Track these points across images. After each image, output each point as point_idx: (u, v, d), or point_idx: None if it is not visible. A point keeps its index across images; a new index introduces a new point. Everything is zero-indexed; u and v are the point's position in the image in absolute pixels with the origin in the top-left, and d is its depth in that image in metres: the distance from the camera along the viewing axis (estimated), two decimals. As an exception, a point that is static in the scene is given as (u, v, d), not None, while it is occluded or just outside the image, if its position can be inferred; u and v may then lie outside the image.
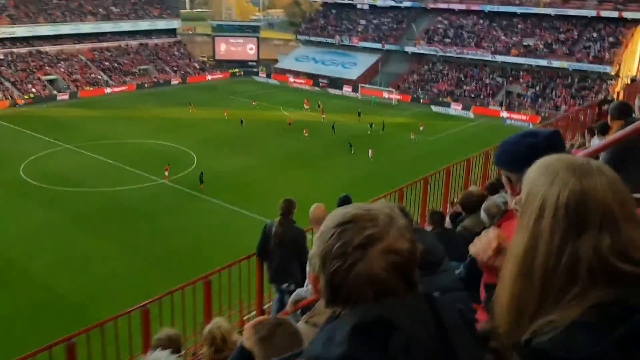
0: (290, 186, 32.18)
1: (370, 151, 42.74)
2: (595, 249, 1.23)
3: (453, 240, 5.79)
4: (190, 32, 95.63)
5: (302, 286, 6.36)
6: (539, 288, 1.29)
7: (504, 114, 58.63)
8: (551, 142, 2.23)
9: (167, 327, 5.78)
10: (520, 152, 2.17)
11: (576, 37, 64.28)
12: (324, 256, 1.29)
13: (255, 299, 9.05)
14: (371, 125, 50.66)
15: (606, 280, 1.23)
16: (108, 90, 67.49)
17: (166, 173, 36.97)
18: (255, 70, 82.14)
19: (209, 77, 78.83)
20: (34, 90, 63.42)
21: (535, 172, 1.37)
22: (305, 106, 59.78)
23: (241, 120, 51.42)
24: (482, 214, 5.66)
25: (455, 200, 8.05)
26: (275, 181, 35.76)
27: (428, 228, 6.96)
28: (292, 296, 5.61)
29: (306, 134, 47.84)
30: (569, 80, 61.84)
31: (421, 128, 51.70)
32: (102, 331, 7.19)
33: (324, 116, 54.45)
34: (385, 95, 66.55)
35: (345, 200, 8.14)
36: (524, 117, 57.04)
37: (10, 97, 60.95)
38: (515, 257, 1.35)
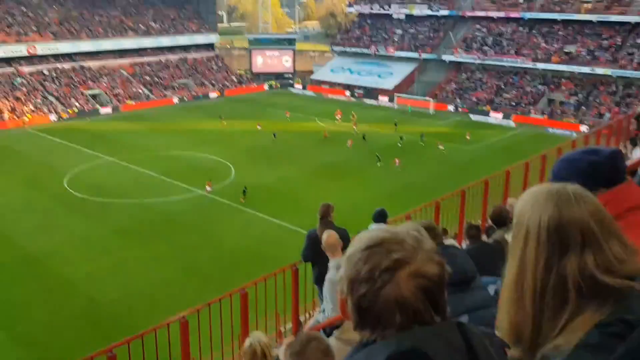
0: (325, 198, 32.08)
1: (396, 160, 42.50)
2: (580, 267, 1.29)
3: (489, 254, 5.71)
4: (228, 46, 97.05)
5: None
6: (532, 311, 1.34)
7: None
8: (613, 161, 2.20)
9: None
10: (581, 169, 2.15)
11: (619, 43, 62.64)
12: (352, 280, 1.29)
13: (291, 310, 9.10)
14: (402, 138, 49.65)
15: (596, 296, 1.27)
16: (149, 104, 68.94)
17: (208, 188, 37.36)
18: (291, 82, 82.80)
19: (254, 88, 79.66)
20: (77, 104, 65.25)
21: (521, 203, 1.44)
22: (337, 117, 59.49)
23: (274, 135, 51.54)
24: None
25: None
26: (311, 193, 35.77)
27: (465, 242, 6.89)
28: (310, 323, 5.64)
29: (350, 146, 47.86)
30: (613, 88, 60.26)
31: (468, 137, 51.04)
32: (142, 342, 7.31)
33: (355, 127, 53.99)
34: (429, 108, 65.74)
35: (381, 214, 8.14)
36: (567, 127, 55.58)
37: (55, 111, 62.86)
38: (507, 284, 1.41)
